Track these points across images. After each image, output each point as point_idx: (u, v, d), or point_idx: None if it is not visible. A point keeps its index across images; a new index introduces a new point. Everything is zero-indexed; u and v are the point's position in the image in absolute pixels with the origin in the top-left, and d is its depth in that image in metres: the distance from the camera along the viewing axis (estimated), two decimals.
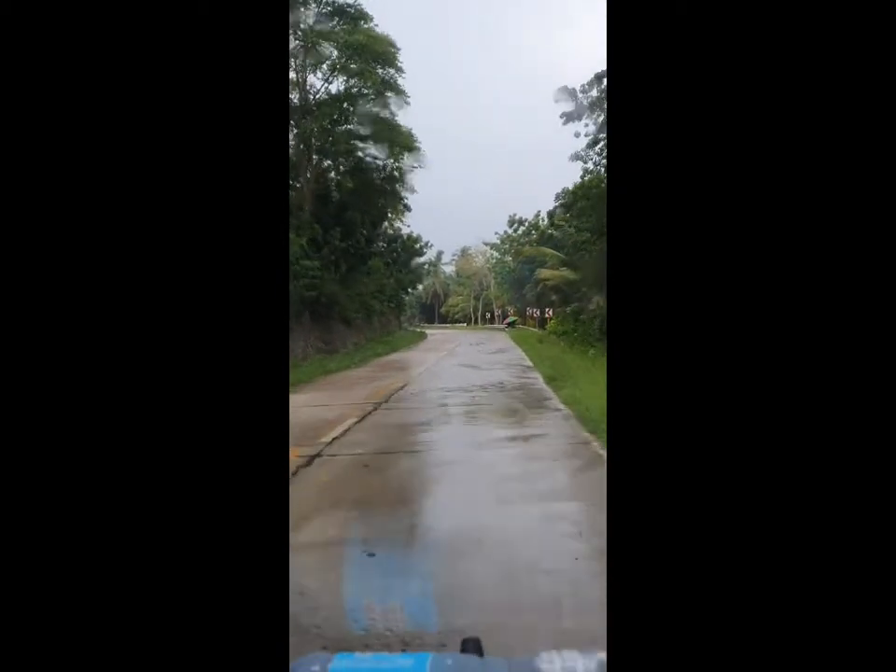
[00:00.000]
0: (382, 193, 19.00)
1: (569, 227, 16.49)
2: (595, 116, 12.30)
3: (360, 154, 18.00)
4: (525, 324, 36.14)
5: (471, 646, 0.52)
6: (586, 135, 12.81)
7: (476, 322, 54.56)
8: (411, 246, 33.99)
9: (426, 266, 35.38)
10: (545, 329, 31.21)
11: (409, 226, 35.80)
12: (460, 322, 59.33)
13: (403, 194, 20.30)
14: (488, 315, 50.95)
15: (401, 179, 18.71)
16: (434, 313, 68.51)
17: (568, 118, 12.60)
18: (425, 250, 34.53)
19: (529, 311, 35.11)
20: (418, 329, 41.97)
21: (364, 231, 19.77)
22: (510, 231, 34.60)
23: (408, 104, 17.26)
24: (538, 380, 9.21)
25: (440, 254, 65.06)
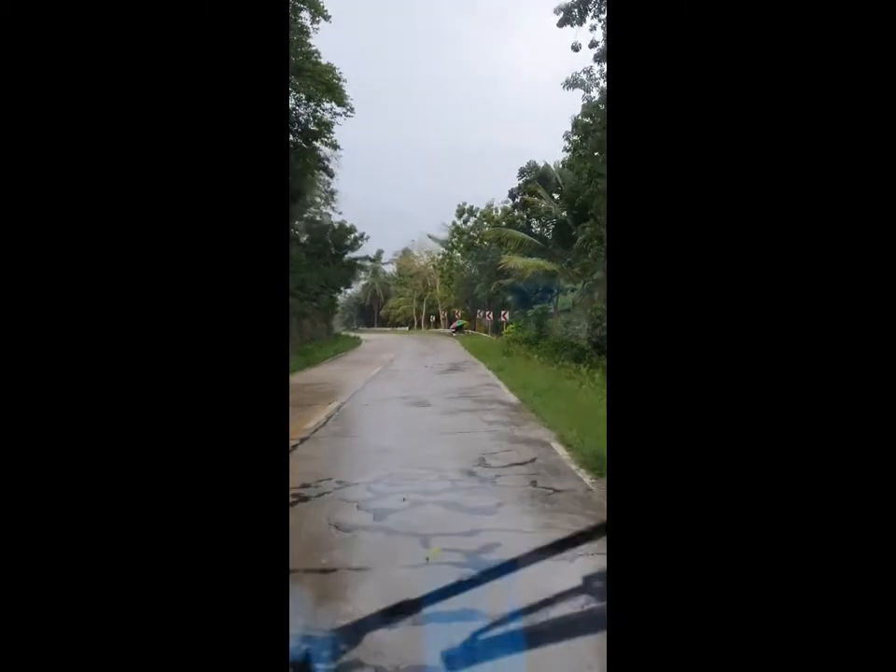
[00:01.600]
0: (296, 153, 14.05)
1: (579, 170, 11.38)
2: (599, 14, 7.87)
3: None
4: (475, 328, 31.81)
5: None
6: (591, 45, 8.40)
7: (419, 326, 49.75)
8: (342, 237, 28.97)
9: (362, 262, 30.21)
10: (500, 334, 27.07)
11: (340, 213, 30.76)
12: (402, 326, 54.50)
13: (323, 153, 15.29)
14: (433, 319, 46.20)
15: (322, 132, 13.81)
16: (374, 316, 63.46)
17: (566, 15, 8.19)
18: (360, 242, 29.61)
19: (480, 314, 30.84)
20: (352, 335, 36.90)
21: None
22: (458, 223, 30.05)
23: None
24: (559, 455, 4.23)
25: (380, 252, 59.99)
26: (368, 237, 30.01)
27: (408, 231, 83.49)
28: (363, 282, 64.83)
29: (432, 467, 3.91)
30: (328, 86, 12.35)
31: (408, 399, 7.34)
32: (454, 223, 30.39)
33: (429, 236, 32.57)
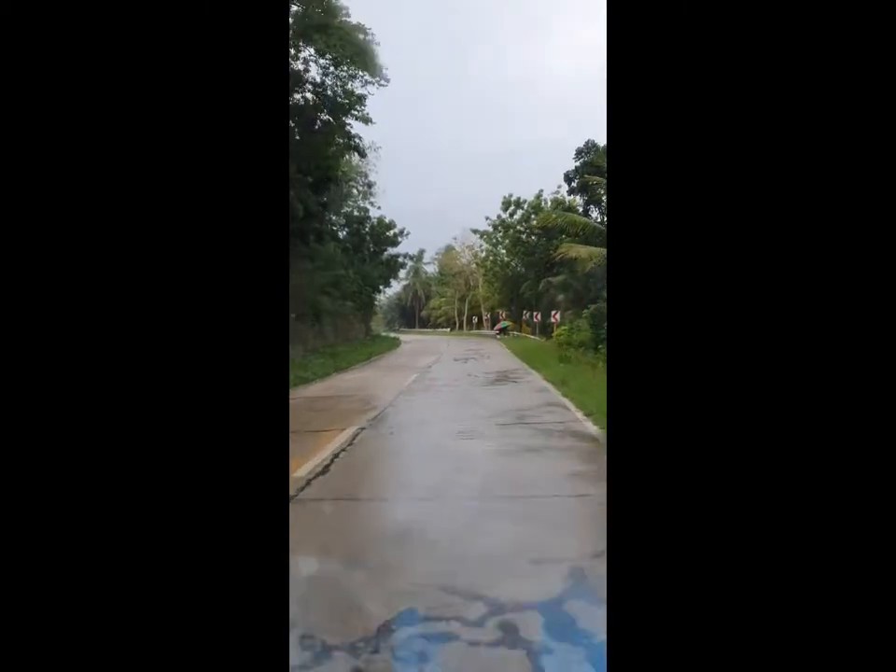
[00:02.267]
0: (326, 132, 12.45)
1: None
2: None
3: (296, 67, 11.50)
4: (520, 330, 29.71)
5: None
6: None
7: (461, 327, 47.91)
8: (381, 233, 27.49)
9: (402, 260, 28.66)
10: (549, 337, 24.92)
11: (379, 207, 29.26)
12: (443, 327, 52.82)
13: (354, 131, 13.62)
14: (475, 320, 44.23)
15: (353, 105, 12.15)
16: (415, 317, 62.11)
17: None
18: (400, 239, 28.05)
19: (526, 315, 28.71)
20: (392, 336, 35.42)
21: (306, 198, 13.08)
22: (503, 216, 27.97)
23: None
24: None
25: (421, 252, 58.58)
26: (408, 233, 28.46)
27: (447, 233, 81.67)
28: (404, 282, 63.86)
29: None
30: (358, 48, 10.61)
31: (446, 425, 5.47)
32: (498, 216, 28.32)
33: (473, 231, 30.60)
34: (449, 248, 46.63)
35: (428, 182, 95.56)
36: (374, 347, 20.33)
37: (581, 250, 11.17)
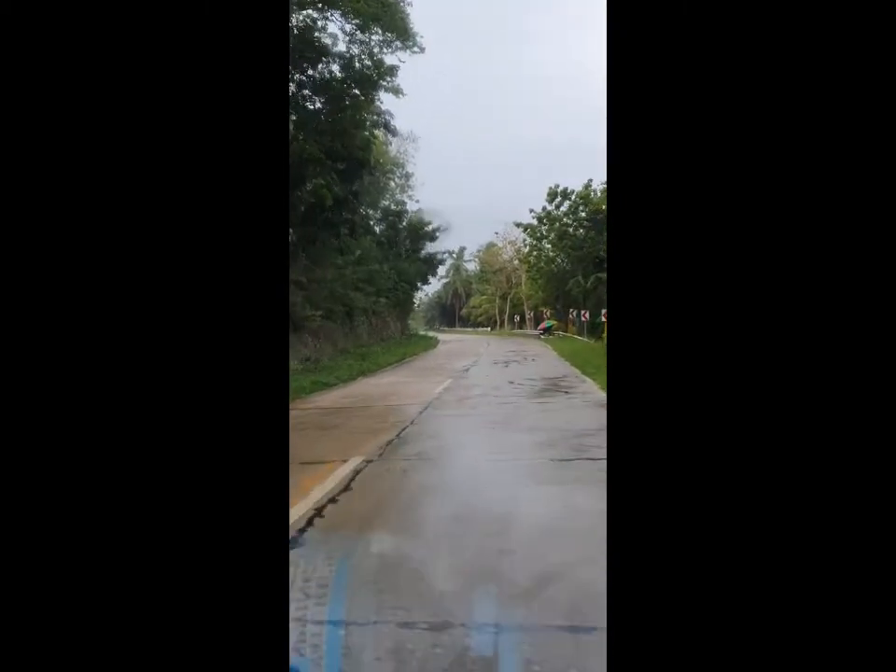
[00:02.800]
0: (354, 109, 11.19)
1: None
2: None
3: (321, 41, 10.29)
4: (565, 330, 27.83)
5: None
6: None
7: (502, 326, 46.20)
8: (420, 228, 26.23)
9: (441, 256, 27.31)
10: (599, 338, 22.99)
11: (418, 201, 27.92)
12: (483, 326, 51.26)
13: (383, 105, 12.28)
14: (517, 319, 42.42)
15: (382, 77, 10.81)
16: (455, 316, 60.79)
17: None
18: (438, 234, 26.71)
19: (573, 314, 26.83)
20: (431, 334, 34.19)
21: (334, 185, 11.85)
22: (550, 208, 26.09)
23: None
24: None
25: (462, 249, 57.10)
26: (447, 228, 27.10)
27: (490, 229, 79.25)
28: (444, 280, 62.55)
29: None
30: (384, 6, 9.20)
31: (479, 461, 4.00)
32: (544, 209, 26.46)
33: (517, 224, 28.76)
34: (490, 245, 44.84)
35: (471, 175, 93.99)
36: (409, 347, 19.06)
37: None
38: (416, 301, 60.66)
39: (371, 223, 21.48)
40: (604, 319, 20.16)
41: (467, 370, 11.36)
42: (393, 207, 23.78)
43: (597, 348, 17.46)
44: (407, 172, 24.12)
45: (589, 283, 23.47)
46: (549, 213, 25.95)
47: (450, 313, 62.45)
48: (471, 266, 55.46)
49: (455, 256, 56.95)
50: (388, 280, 21.21)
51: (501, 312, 46.35)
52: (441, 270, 60.93)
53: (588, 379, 9.01)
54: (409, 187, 25.00)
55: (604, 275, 22.57)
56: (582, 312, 23.43)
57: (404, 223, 25.25)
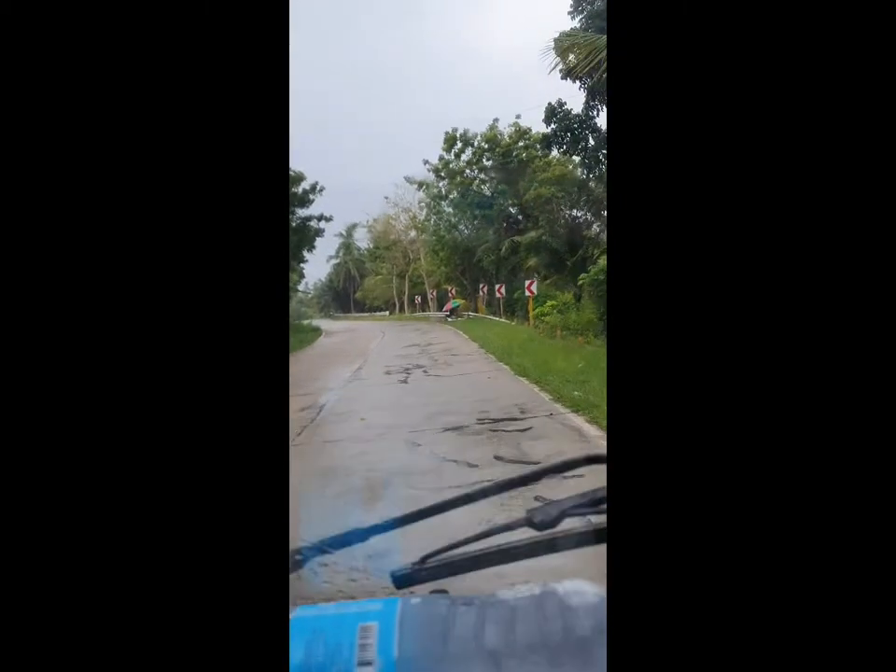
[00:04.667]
0: None
1: None
2: None
3: None
4: (474, 310, 23.29)
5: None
6: None
7: (401, 309, 40.97)
8: None
9: (316, 225, 21.29)
10: (519, 317, 18.59)
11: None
12: (381, 310, 45.81)
13: None
14: (418, 300, 37.36)
15: None
16: (349, 300, 54.70)
17: None
18: (312, 197, 20.78)
19: (483, 289, 22.33)
20: (315, 324, 28.22)
21: None
22: (447, 157, 20.92)
23: None
24: None
25: (352, 226, 50.68)
26: (322, 189, 21.18)
27: (373, 209, 71.71)
28: (335, 261, 55.91)
29: None
30: None
31: None
32: (441, 159, 21.23)
33: (409, 180, 23.14)
34: (383, 218, 39.04)
35: (347, 159, 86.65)
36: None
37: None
38: (303, 286, 54.04)
39: None
40: (528, 293, 15.65)
41: (345, 387, 6.16)
42: None
43: (529, 333, 12.80)
44: None
45: (503, 249, 18.95)
46: (447, 164, 20.72)
47: (343, 297, 56.29)
48: (364, 245, 49.47)
49: (344, 234, 50.66)
50: None
51: (400, 293, 40.92)
52: (330, 248, 54.49)
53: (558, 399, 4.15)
54: None
55: (521, 238, 18.14)
56: (497, 286, 18.95)
57: None
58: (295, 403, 5.66)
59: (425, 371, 7.64)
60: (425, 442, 3.81)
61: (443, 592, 0.55)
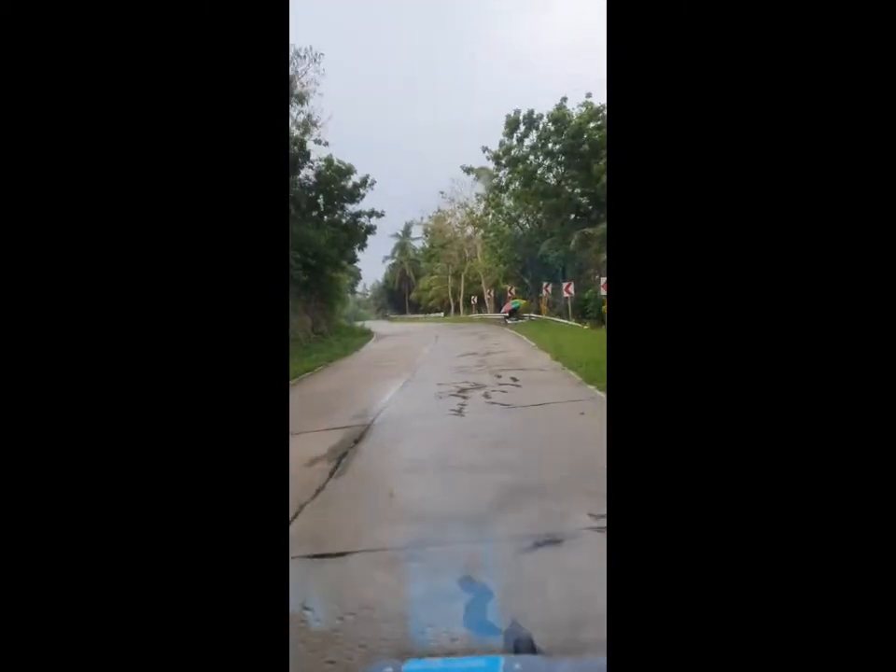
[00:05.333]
0: None
1: None
2: None
3: None
4: (538, 310, 21.12)
5: (524, 645, 0.57)
6: None
7: (457, 311, 39.19)
8: (331, 177, 18.89)
9: (367, 222, 19.86)
10: (592, 320, 16.39)
11: (327, 144, 20.14)
12: (436, 311, 44.23)
13: None
14: (474, 300, 35.46)
15: None
16: (405, 301, 53.56)
17: None
18: (362, 191, 19.36)
19: (546, 288, 20.15)
20: (367, 327, 26.92)
21: None
22: (510, 143, 18.69)
23: None
24: None
25: (408, 225, 49.44)
26: (373, 182, 19.69)
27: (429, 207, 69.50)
28: (390, 261, 54.84)
29: None
30: None
31: None
32: (501, 145, 19.15)
33: (466, 170, 21.07)
34: (439, 216, 37.31)
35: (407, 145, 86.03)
36: (313, 356, 11.93)
37: None
38: (361, 287, 53.38)
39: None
40: (604, 292, 13.45)
41: (376, 416, 4.42)
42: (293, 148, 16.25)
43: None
44: (301, 93, 16.60)
45: (572, 243, 16.76)
46: (508, 149, 18.54)
47: (399, 298, 55.17)
48: (419, 244, 48.00)
49: (400, 234, 49.45)
50: (289, 258, 13.83)
51: (455, 293, 39.14)
52: (386, 249, 53.56)
53: None
54: (311, 123, 17.51)
55: (593, 230, 15.94)
56: (564, 284, 16.79)
57: (305, 169, 17.79)
58: (314, 445, 3.92)
59: (486, 396, 5.77)
60: (501, 578, 1.93)
61: (528, 637, 0.57)
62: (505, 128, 18.36)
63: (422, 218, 38.60)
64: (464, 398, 5.73)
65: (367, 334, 21.18)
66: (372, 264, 51.89)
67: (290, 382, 8.57)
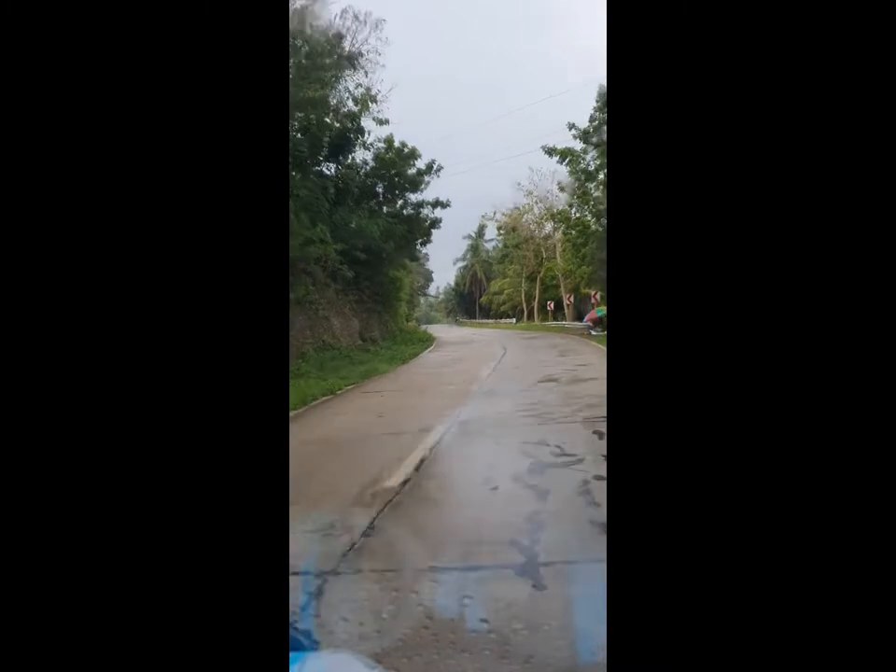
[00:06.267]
0: None
1: None
2: None
3: None
4: None
5: None
6: None
7: (530, 317, 35.96)
8: (392, 161, 16.61)
9: (430, 214, 17.41)
10: None
11: (387, 122, 17.81)
12: (508, 317, 41.22)
13: None
14: (550, 306, 32.13)
15: None
16: (475, 304, 51.05)
17: None
18: (427, 178, 16.97)
19: None
20: (430, 331, 24.59)
21: None
22: (601, 117, 15.52)
23: None
24: None
25: (482, 227, 46.80)
26: (440, 168, 17.24)
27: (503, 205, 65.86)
28: (461, 263, 52.50)
29: None
30: None
31: None
32: (592, 120, 15.98)
33: (547, 151, 17.77)
34: (512, 213, 34.31)
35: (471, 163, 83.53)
36: (352, 369, 9.60)
37: None
38: (433, 290, 51.48)
39: (302, 152, 11.93)
40: None
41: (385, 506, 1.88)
42: (337, 125, 14.12)
43: None
44: (357, 60, 14.40)
45: None
46: (599, 125, 15.26)
47: (469, 302, 52.72)
48: (492, 246, 45.22)
49: (472, 236, 46.94)
50: (323, 249, 11.72)
51: (530, 297, 35.94)
52: (458, 251, 51.27)
53: None
54: (370, 98, 15.32)
55: None
56: None
57: (369, 157, 15.63)
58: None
59: (585, 485, 2.94)
60: None
61: None
62: (596, 98, 15.21)
63: (494, 214, 35.56)
64: (542, 478, 2.94)
65: (426, 341, 18.75)
66: (445, 268, 50.09)
67: (307, 403, 6.19)
